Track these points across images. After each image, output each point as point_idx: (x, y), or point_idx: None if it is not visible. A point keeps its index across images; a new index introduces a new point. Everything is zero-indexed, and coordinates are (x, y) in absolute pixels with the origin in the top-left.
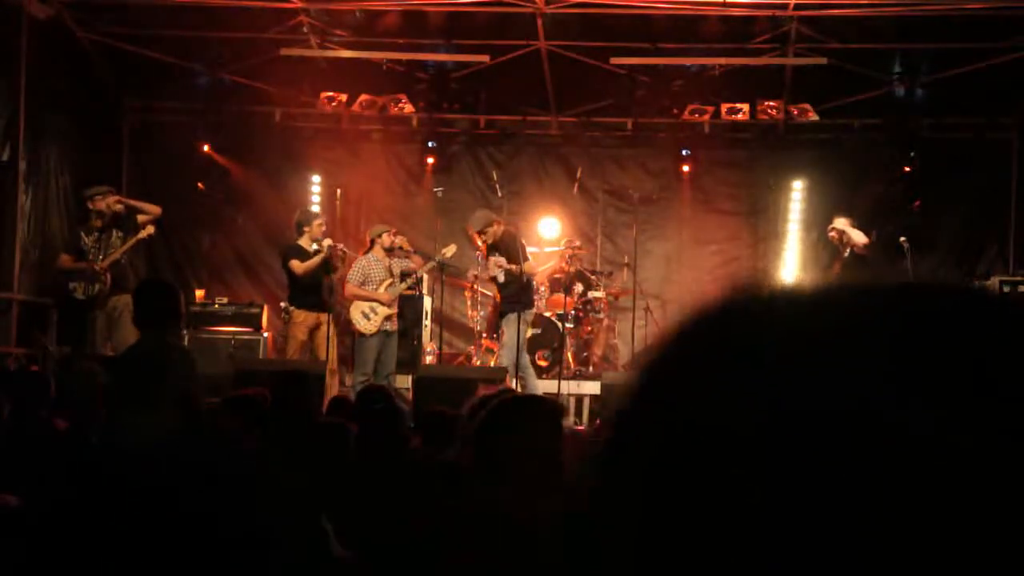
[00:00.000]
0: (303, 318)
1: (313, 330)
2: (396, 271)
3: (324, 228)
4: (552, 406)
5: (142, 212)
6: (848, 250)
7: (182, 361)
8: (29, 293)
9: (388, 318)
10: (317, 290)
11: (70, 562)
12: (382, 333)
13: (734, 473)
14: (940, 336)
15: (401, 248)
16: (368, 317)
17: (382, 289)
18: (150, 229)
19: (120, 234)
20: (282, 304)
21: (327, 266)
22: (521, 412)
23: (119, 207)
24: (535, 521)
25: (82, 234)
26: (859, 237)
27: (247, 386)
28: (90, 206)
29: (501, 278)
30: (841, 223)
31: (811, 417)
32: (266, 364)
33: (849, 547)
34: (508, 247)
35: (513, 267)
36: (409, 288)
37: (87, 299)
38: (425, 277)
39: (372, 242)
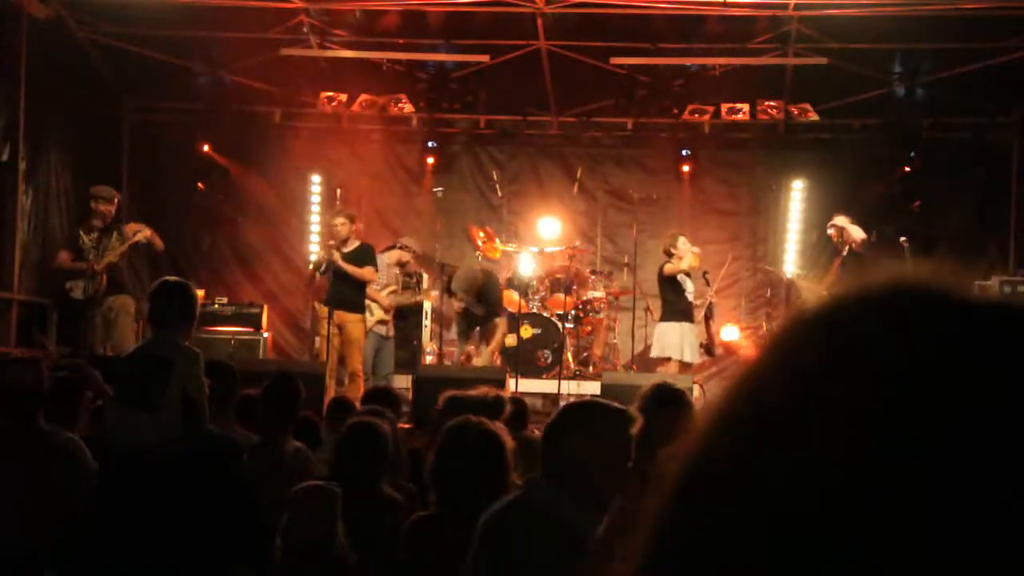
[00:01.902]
0: (324, 313)
1: (340, 329)
2: (401, 280)
3: (341, 228)
4: (621, 411)
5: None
6: (847, 248)
7: (189, 362)
8: (29, 293)
9: (383, 322)
10: (336, 288)
11: (74, 557)
12: (375, 335)
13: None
14: None
15: (406, 266)
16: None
17: (384, 293)
18: (146, 232)
19: (119, 236)
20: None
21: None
22: (591, 415)
23: (141, 237)
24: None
25: (82, 233)
26: (857, 233)
27: (247, 386)
28: (92, 205)
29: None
30: (841, 220)
31: None
32: (266, 364)
33: None
34: (489, 291)
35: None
36: (407, 289)
37: (85, 299)
38: (425, 277)
39: (394, 246)
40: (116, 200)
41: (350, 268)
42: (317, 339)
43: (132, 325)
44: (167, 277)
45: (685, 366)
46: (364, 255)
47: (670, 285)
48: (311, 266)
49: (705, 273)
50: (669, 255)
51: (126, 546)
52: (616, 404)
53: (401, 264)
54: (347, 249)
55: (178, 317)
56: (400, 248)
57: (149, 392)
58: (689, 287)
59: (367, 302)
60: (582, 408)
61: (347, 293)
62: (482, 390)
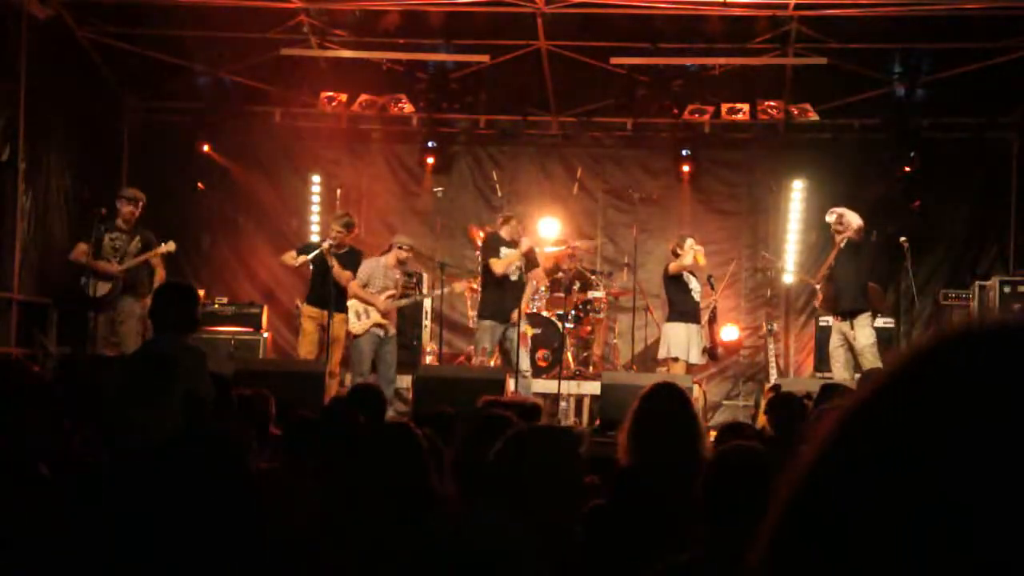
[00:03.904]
0: (309, 312)
1: (324, 327)
2: (400, 283)
3: (336, 234)
4: (573, 437)
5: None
6: (845, 239)
7: (194, 362)
8: (29, 293)
9: (380, 325)
10: (322, 288)
11: (75, 554)
12: (373, 336)
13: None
14: None
15: (405, 264)
16: (359, 318)
17: (382, 297)
18: (171, 245)
19: (139, 243)
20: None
21: (325, 262)
22: (543, 445)
23: (165, 250)
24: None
25: (105, 231)
26: (855, 220)
27: (247, 386)
28: (119, 206)
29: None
30: (840, 208)
31: None
32: (266, 364)
33: None
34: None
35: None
36: (406, 297)
37: (98, 297)
38: (425, 277)
39: (391, 248)
40: (141, 204)
41: (333, 263)
42: (301, 335)
43: (137, 327)
44: (169, 281)
45: (690, 367)
46: (348, 260)
47: (675, 285)
48: (301, 256)
49: (710, 277)
50: (676, 256)
51: (128, 544)
52: (566, 429)
53: (401, 262)
54: (338, 251)
55: (182, 318)
56: (398, 248)
57: (152, 390)
58: (695, 286)
59: (363, 306)
60: (530, 438)
61: (331, 293)
62: (519, 396)
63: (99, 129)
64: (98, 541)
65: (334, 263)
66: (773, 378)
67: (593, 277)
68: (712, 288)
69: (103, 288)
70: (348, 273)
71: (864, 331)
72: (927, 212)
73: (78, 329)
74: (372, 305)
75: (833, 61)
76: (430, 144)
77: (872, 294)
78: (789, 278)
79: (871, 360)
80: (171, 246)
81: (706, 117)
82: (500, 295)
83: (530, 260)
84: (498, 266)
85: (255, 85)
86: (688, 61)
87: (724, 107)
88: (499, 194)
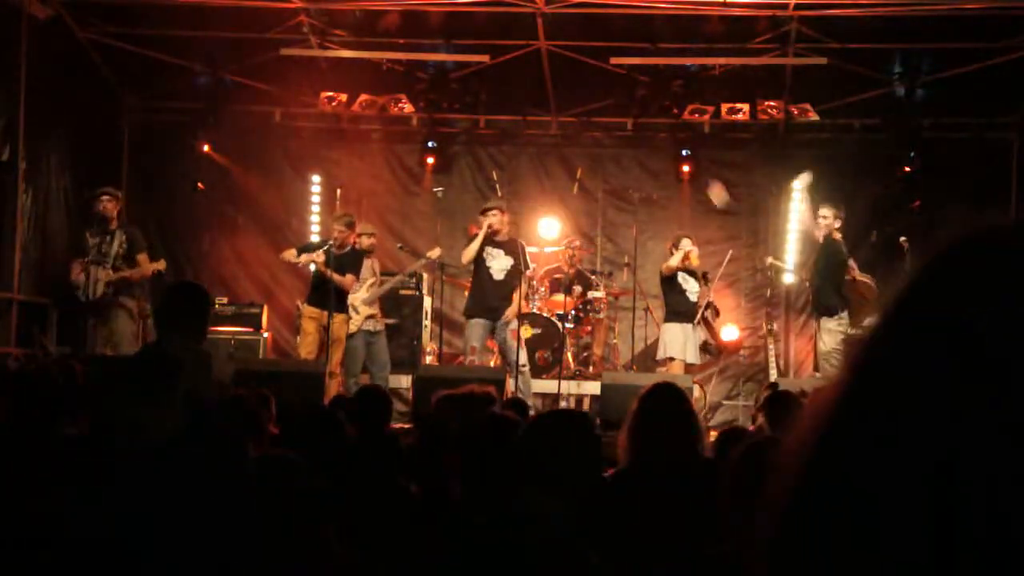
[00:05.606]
0: (309, 313)
1: (325, 328)
2: (378, 270)
3: (338, 235)
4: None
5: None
6: (826, 235)
7: (197, 363)
8: (29, 293)
9: (370, 317)
10: (323, 288)
11: (75, 552)
12: (364, 333)
13: None
14: None
15: (372, 252)
16: (349, 317)
17: (363, 288)
18: (162, 264)
19: (123, 241)
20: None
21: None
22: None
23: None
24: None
25: (87, 235)
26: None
27: (247, 386)
28: (104, 201)
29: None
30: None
31: None
32: (266, 364)
33: None
34: (512, 250)
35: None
36: (407, 288)
37: (92, 301)
38: (425, 277)
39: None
40: (116, 199)
41: (332, 274)
42: (301, 335)
43: (132, 326)
44: (178, 281)
45: (688, 366)
46: (350, 261)
47: (670, 285)
48: (302, 254)
49: (705, 273)
50: (671, 255)
51: (128, 544)
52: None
53: (368, 252)
54: (339, 252)
55: (191, 322)
56: (364, 237)
57: (153, 391)
58: (691, 287)
59: (352, 304)
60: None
61: (331, 294)
62: (470, 387)
63: (99, 129)
64: (99, 541)
65: (333, 276)
66: (773, 378)
67: (593, 277)
68: (706, 283)
69: (96, 292)
70: (350, 277)
71: (825, 336)
72: (927, 212)
73: (78, 329)
74: (352, 304)
75: (833, 61)
76: (430, 144)
77: (862, 289)
78: (790, 277)
79: (827, 371)
80: (161, 264)
81: (706, 117)
82: (482, 293)
83: (515, 261)
84: (463, 256)
85: (255, 85)
86: (688, 61)
87: (724, 107)
88: (499, 194)
